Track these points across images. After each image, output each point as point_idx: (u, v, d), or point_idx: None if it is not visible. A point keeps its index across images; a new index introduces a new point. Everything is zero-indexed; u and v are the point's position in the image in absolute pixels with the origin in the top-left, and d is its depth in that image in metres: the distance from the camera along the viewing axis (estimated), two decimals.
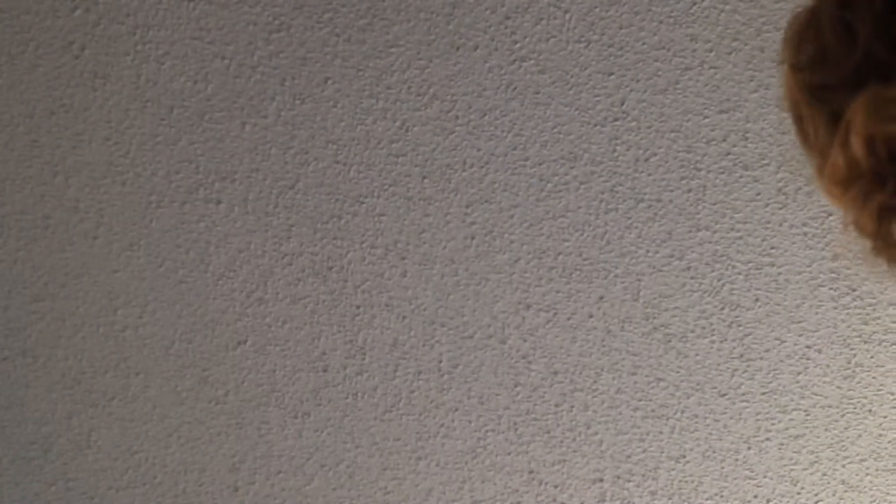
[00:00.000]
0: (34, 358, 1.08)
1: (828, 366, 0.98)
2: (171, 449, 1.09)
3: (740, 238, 0.96)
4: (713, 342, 0.99)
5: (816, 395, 0.99)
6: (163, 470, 1.10)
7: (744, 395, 1.00)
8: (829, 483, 1.01)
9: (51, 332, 1.07)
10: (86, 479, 1.11)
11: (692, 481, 1.03)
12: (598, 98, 0.94)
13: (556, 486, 1.06)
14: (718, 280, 0.97)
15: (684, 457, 1.03)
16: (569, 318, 1.00)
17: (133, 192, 1.01)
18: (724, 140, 0.94)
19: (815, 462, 1.01)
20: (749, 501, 1.03)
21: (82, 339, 1.06)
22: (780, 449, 1.01)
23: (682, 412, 1.02)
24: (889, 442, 0.98)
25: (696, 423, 1.02)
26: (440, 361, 1.03)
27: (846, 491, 1.00)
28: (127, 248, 1.03)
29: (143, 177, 1.01)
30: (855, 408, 0.98)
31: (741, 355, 0.99)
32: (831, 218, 0.94)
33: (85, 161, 1.01)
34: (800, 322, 0.97)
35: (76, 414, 1.09)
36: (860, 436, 0.99)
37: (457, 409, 1.05)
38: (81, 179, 1.01)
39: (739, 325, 0.98)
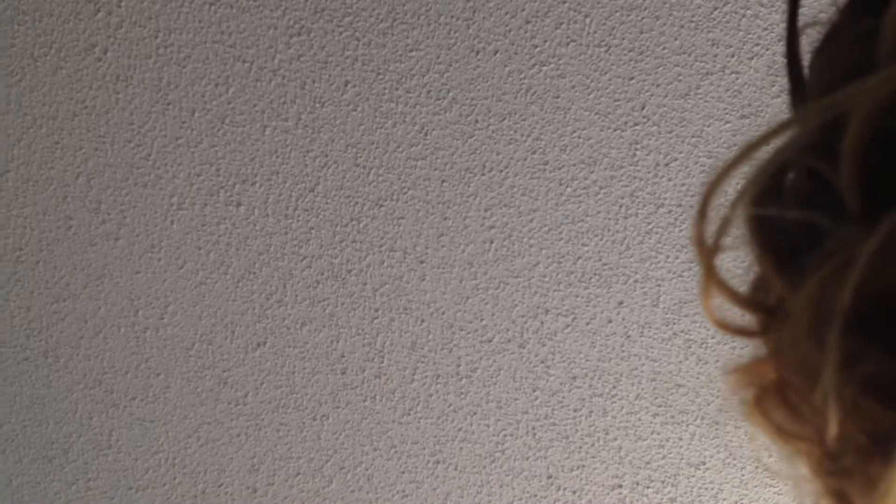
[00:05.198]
0: (55, 358, 1.09)
1: None
2: (190, 449, 1.10)
3: None
4: (733, 348, 0.98)
5: None
6: (182, 470, 1.11)
7: None
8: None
9: (72, 332, 1.07)
10: (106, 478, 1.12)
11: (712, 488, 1.03)
12: (618, 102, 0.94)
13: (574, 492, 1.05)
14: (740, 286, 0.97)
15: (704, 463, 1.02)
16: (588, 323, 1.00)
17: (154, 193, 1.02)
18: None
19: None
20: None
21: (103, 339, 1.07)
22: None
23: (703, 419, 1.01)
24: None
25: (717, 429, 1.01)
26: (458, 365, 1.03)
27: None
28: (148, 249, 1.04)
29: (165, 179, 1.01)
30: None
31: None
32: None
33: (107, 163, 1.01)
34: None
35: (97, 414, 1.10)
36: None
37: (475, 413, 1.04)
38: (103, 181, 1.02)
39: None
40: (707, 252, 0.33)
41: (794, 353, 0.30)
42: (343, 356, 1.05)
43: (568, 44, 0.93)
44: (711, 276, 0.33)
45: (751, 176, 0.32)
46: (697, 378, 1.00)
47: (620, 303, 0.99)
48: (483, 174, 0.97)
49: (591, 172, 0.96)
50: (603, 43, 0.92)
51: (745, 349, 1.00)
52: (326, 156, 0.99)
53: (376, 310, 1.03)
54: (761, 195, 0.32)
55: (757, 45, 0.91)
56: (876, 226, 0.27)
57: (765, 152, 0.31)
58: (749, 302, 0.33)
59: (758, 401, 0.34)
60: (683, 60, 0.92)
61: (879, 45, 0.28)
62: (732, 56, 0.91)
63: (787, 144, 0.31)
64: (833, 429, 0.28)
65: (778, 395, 0.33)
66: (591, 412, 1.03)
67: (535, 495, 1.06)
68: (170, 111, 0.99)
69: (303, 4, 0.95)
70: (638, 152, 0.95)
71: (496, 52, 0.94)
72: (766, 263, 0.32)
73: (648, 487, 1.04)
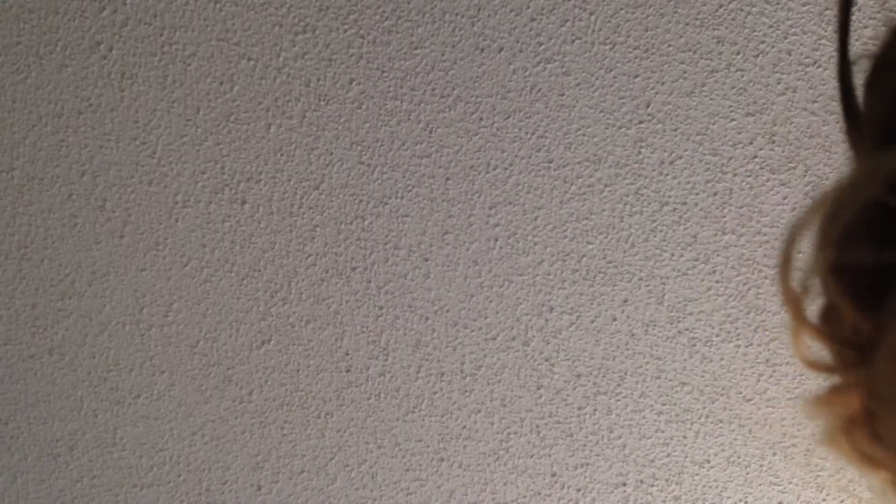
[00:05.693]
0: (60, 355, 1.09)
1: None
2: (195, 447, 1.10)
3: (766, 242, 0.95)
4: (738, 346, 0.98)
5: None
6: (187, 468, 1.11)
7: (769, 400, 0.99)
8: (855, 490, 1.00)
9: (77, 329, 1.08)
10: (111, 476, 1.12)
11: (717, 486, 1.03)
12: (623, 100, 0.94)
13: (578, 490, 1.05)
14: (744, 284, 0.96)
15: (709, 462, 1.02)
16: (592, 321, 1.00)
17: (159, 191, 1.02)
18: (751, 143, 0.93)
19: (842, 468, 1.00)
20: None
21: (108, 337, 1.07)
22: (805, 455, 1.00)
23: (707, 417, 1.01)
24: None
25: (721, 428, 1.01)
26: (463, 363, 1.03)
27: (872, 498, 0.99)
28: (153, 247, 1.04)
29: (170, 177, 1.01)
30: None
31: (767, 360, 0.98)
32: None
33: (112, 161, 1.01)
34: None
35: (101, 411, 1.10)
36: None
37: (479, 411, 1.04)
38: (108, 179, 1.02)
39: (765, 330, 0.97)
40: (796, 298, 0.33)
41: (890, 388, 0.31)
42: (347, 354, 1.05)
43: (573, 41, 0.93)
44: (802, 321, 0.34)
45: (830, 218, 0.32)
46: (702, 376, 1.00)
47: (625, 301, 0.99)
48: (487, 172, 0.97)
49: (596, 170, 0.96)
50: (608, 40, 0.92)
51: (750, 348, 1.00)
52: (331, 154, 0.99)
53: (381, 307, 1.03)
54: (841, 237, 0.32)
55: (763, 42, 0.90)
56: None
57: (837, 198, 0.32)
58: (842, 341, 0.34)
59: (845, 429, 0.34)
60: (689, 58, 0.92)
61: None
62: (738, 53, 0.91)
63: (865, 185, 0.31)
64: None
65: (865, 426, 0.33)
66: (596, 410, 1.03)
67: (539, 493, 1.06)
68: (174, 109, 0.99)
69: (307, 2, 0.95)
70: (643, 150, 0.95)
71: (501, 50, 0.94)
72: (848, 303, 0.33)
73: (653, 486, 1.04)
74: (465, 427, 1.05)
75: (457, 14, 0.93)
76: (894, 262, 0.30)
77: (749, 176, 0.94)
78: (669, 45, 0.92)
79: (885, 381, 0.31)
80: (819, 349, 0.35)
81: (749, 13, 0.90)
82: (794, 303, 0.33)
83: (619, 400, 1.02)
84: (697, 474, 1.03)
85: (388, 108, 0.97)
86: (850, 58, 0.37)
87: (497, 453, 1.05)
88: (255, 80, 0.98)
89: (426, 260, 1.01)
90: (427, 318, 1.02)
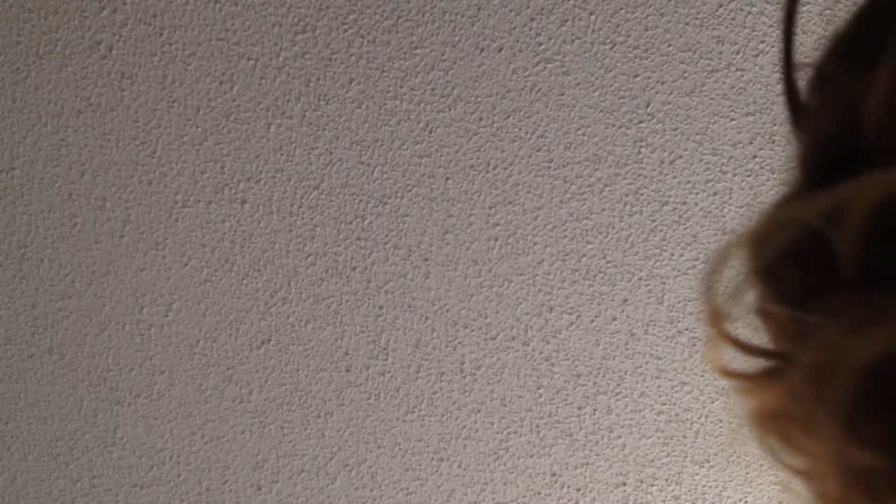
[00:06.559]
0: (60, 355, 1.09)
1: None
2: (195, 447, 1.10)
3: None
4: None
5: None
6: (187, 468, 1.11)
7: None
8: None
9: (77, 329, 1.08)
10: (111, 475, 1.12)
11: (716, 486, 1.03)
12: (623, 100, 0.94)
13: (578, 490, 1.05)
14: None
15: (708, 461, 1.02)
16: (592, 321, 1.00)
17: (159, 191, 1.02)
18: (751, 143, 0.93)
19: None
20: None
21: (108, 336, 1.07)
22: None
23: (707, 416, 1.01)
24: None
25: (721, 427, 1.01)
26: (463, 363, 1.03)
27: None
28: (153, 247, 1.04)
29: (170, 176, 1.01)
30: None
31: None
32: None
33: (112, 160, 1.01)
34: None
35: (101, 411, 1.10)
36: None
37: (479, 411, 1.04)
38: (108, 179, 1.02)
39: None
40: (719, 312, 0.34)
41: (801, 404, 0.31)
42: (347, 353, 1.05)
43: (573, 41, 0.93)
44: (723, 336, 0.35)
45: (756, 249, 0.33)
46: (702, 376, 1.00)
47: (625, 300, 0.99)
48: (487, 172, 0.97)
49: (596, 170, 0.96)
50: (608, 40, 0.92)
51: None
52: (331, 153, 0.99)
53: (380, 307, 1.03)
54: (769, 263, 0.33)
55: (762, 42, 0.90)
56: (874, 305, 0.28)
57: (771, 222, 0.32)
58: (761, 352, 0.35)
59: (759, 422, 0.35)
60: (688, 58, 0.92)
61: (864, 120, 0.29)
62: (738, 53, 0.91)
63: (787, 223, 0.32)
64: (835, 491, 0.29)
65: (778, 423, 0.34)
66: (596, 410, 1.03)
67: (539, 493, 1.06)
68: (174, 109, 0.99)
69: (307, 2, 0.95)
70: (642, 150, 0.95)
71: (500, 50, 0.94)
72: (779, 317, 0.33)
73: (652, 485, 1.04)
74: (464, 427, 1.05)
75: (457, 14, 0.94)
76: (821, 280, 0.30)
77: (749, 176, 0.94)
78: (669, 45, 0.92)
79: (798, 390, 0.31)
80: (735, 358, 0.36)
81: (749, 13, 0.90)
82: (716, 317, 0.34)
83: (619, 399, 1.02)
84: (697, 474, 1.03)
85: (387, 107, 0.97)
86: (793, 57, 0.37)
87: (497, 453, 1.05)
88: (254, 80, 0.98)
89: (426, 260, 1.01)
90: (427, 318, 1.02)
